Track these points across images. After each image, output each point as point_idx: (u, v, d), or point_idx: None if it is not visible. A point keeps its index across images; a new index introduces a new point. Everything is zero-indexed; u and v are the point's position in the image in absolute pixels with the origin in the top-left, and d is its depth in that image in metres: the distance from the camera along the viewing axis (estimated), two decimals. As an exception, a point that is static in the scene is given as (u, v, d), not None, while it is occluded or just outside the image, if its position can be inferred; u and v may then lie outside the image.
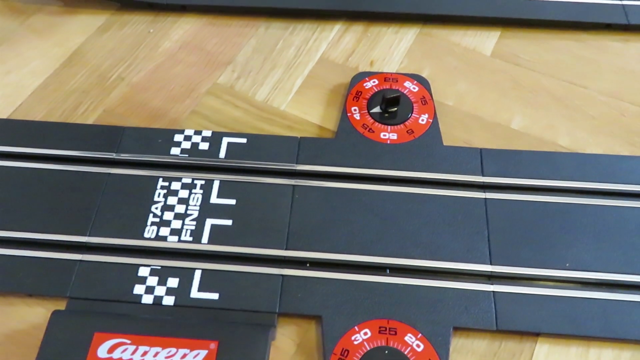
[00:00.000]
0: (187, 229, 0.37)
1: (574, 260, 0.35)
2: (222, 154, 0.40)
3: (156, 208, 0.37)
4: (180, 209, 0.38)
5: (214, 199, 0.38)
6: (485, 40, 0.47)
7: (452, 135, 0.41)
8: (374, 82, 0.44)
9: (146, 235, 0.36)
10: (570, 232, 0.36)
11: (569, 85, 0.44)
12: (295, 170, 0.39)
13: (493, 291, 0.34)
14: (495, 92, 0.44)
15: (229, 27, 0.49)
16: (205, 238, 0.36)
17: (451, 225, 0.36)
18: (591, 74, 0.45)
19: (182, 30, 0.49)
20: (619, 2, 0.47)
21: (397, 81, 0.43)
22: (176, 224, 0.37)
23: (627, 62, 0.45)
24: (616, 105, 0.43)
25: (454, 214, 0.37)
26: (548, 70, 0.45)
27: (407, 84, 0.43)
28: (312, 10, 0.48)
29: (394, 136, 0.41)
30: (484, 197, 0.38)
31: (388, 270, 0.35)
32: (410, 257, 0.35)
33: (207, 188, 0.38)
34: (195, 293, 0.34)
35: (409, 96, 0.42)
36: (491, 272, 0.34)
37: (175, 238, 0.36)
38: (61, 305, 0.34)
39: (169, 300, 0.34)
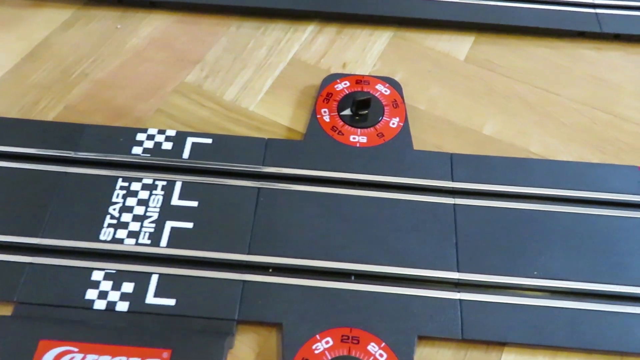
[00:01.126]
0: (145, 232, 0.35)
1: (543, 268, 0.34)
2: (185, 154, 0.38)
3: (114, 209, 0.36)
4: (139, 210, 0.36)
5: (175, 201, 0.36)
6: (460, 45, 0.47)
7: (423, 140, 0.41)
8: (345, 84, 0.43)
9: (102, 237, 0.35)
10: (540, 240, 0.35)
11: (542, 92, 0.44)
12: (261, 172, 0.38)
13: (460, 299, 0.33)
14: (468, 97, 0.43)
15: (200, 25, 0.48)
16: (164, 241, 0.35)
17: (419, 231, 0.35)
18: (564, 82, 0.44)
19: (151, 27, 0.47)
20: (592, 11, 0.47)
21: (368, 84, 0.43)
22: (134, 226, 0.35)
23: (599, 70, 0.45)
24: (588, 113, 0.43)
25: (423, 219, 0.36)
26: (521, 77, 0.45)
27: (379, 86, 0.43)
28: (285, 11, 0.48)
29: (363, 139, 0.40)
30: (453, 202, 0.37)
31: (353, 277, 0.34)
32: (377, 264, 0.34)
33: (168, 189, 0.37)
34: (151, 299, 0.32)
35: (380, 99, 0.42)
36: (458, 279, 0.33)
37: (133, 241, 0.35)
38: (8, 311, 0.32)
39: (122, 306, 0.32)
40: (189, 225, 0.36)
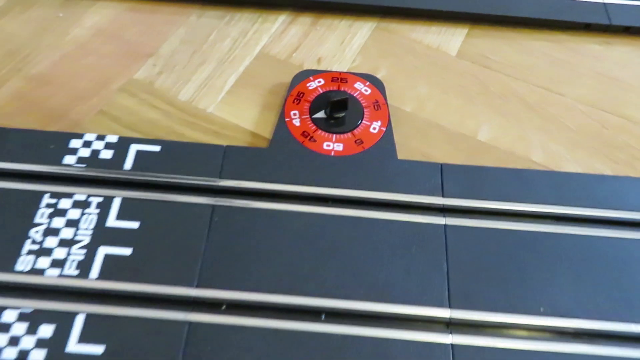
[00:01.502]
0: (73, 260, 0.29)
1: (550, 303, 0.28)
2: (127, 165, 0.33)
3: (36, 232, 0.30)
4: (67, 233, 0.30)
5: (112, 222, 0.31)
6: (451, 39, 0.41)
7: (409, 147, 0.35)
8: (319, 82, 0.37)
9: (18, 267, 0.29)
10: (546, 268, 0.30)
11: (544, 91, 0.39)
12: (216, 186, 0.32)
13: (452, 344, 0.27)
14: (460, 97, 0.38)
15: (155, 13, 0.42)
16: (95, 272, 0.29)
17: (403, 258, 0.30)
18: (569, 80, 0.39)
19: (98, 15, 0.41)
20: (600, 0, 0.42)
21: (346, 82, 0.37)
22: (60, 253, 0.29)
23: (608, 67, 0.40)
24: (597, 115, 0.38)
25: (408, 243, 0.30)
26: (520, 74, 0.39)
27: (358, 85, 0.37)
28: (253, -2, 0.42)
29: (339, 147, 0.34)
30: (443, 222, 0.31)
31: (324, 316, 0.28)
32: (352, 299, 0.28)
33: (104, 207, 0.31)
34: (73, 345, 0.26)
35: (359, 100, 0.36)
36: (450, 318, 0.28)
37: (57, 271, 0.29)
38: None
39: (38, 355, 0.26)
40: (127, 251, 0.30)
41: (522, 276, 0.30)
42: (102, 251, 0.29)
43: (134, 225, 0.30)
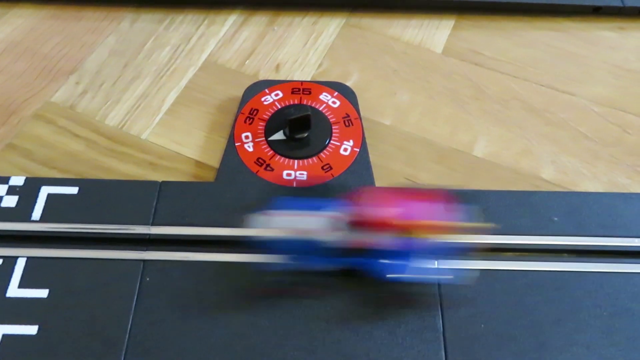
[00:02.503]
0: (-39, 346, 0.23)
1: (576, 370, 0.23)
2: (36, 214, 0.26)
3: None
4: (-45, 309, 0.24)
5: (13, 291, 0.24)
6: (435, 33, 0.35)
7: (389, 171, 0.28)
8: (276, 94, 0.31)
9: None
10: (567, 320, 0.23)
11: (551, 91, 0.32)
12: (148, 235, 0.25)
13: None
14: (450, 104, 0.31)
15: (79, 21, 0.35)
16: (-12, 361, 0.23)
17: (388, 319, 0.24)
18: (579, 76, 0.33)
19: (11, 26, 0.35)
20: (610, -21, 0.36)
21: (309, 93, 0.31)
22: (-57, 338, 0.23)
23: (624, 57, 0.33)
24: (616, 117, 0.31)
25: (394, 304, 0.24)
26: (521, 72, 0.33)
27: (325, 96, 0.31)
28: (198, -4, 0.36)
29: (302, 176, 0.28)
30: (435, 267, 0.25)
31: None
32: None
33: (5, 271, 0.24)
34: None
35: (326, 115, 0.30)
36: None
37: (-64, 365, 0.23)
38: None
39: None
40: (32, 330, 0.23)
41: (537, 334, 0.23)
42: (0, 331, 0.23)
43: (42, 293, 0.24)
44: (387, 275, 0.23)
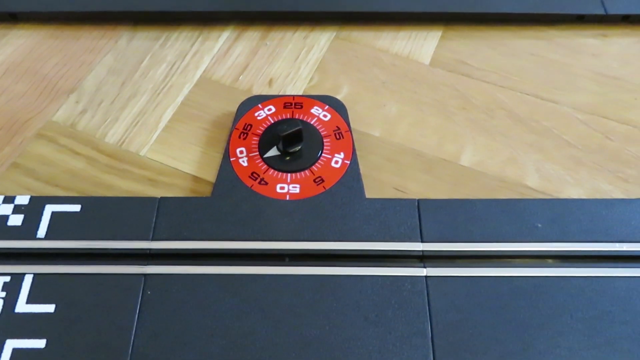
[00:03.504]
0: (-28, 361, 0.24)
1: (559, 371, 0.24)
2: (41, 232, 0.27)
3: None
4: (-34, 326, 0.25)
5: (21, 306, 0.25)
6: (423, 44, 0.36)
7: (379, 182, 0.29)
8: (269, 109, 0.32)
9: None
10: (551, 324, 0.24)
11: (535, 100, 0.33)
12: (149, 250, 0.26)
13: None
14: (437, 115, 0.32)
15: (78, 40, 0.36)
16: (-1, 374, 0.24)
17: (378, 325, 0.25)
18: (563, 84, 0.33)
19: (11, 47, 0.36)
20: (592, -13, 0.37)
21: (301, 107, 0.32)
22: (-45, 354, 0.24)
23: (607, 64, 0.34)
24: (598, 124, 0.32)
25: (383, 304, 0.25)
26: (506, 82, 0.33)
27: (316, 110, 0.32)
28: (192, 13, 0.36)
29: (295, 189, 0.29)
30: (424, 274, 0.26)
31: (281, 411, 0.23)
32: (316, 384, 0.24)
33: (13, 288, 0.25)
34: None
35: (317, 128, 0.31)
36: (437, 403, 0.23)
37: (-50, 379, 0.24)
38: None
39: None
40: (40, 344, 0.24)
41: (523, 337, 0.24)
42: (10, 345, 0.24)
43: (49, 308, 0.25)
44: None
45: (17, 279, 0.26)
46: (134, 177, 0.30)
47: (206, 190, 0.29)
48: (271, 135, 0.30)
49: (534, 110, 0.32)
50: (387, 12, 0.36)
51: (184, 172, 0.30)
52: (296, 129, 0.28)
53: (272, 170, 0.29)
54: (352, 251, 0.26)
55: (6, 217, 0.27)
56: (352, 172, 0.29)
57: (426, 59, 0.35)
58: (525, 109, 0.32)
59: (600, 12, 0.35)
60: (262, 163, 0.29)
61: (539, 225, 0.27)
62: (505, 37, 0.36)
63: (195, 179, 0.30)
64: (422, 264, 0.26)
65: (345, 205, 0.28)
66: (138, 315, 0.25)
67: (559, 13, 0.35)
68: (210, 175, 0.30)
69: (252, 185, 0.29)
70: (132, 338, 0.24)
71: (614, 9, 0.35)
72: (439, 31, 0.36)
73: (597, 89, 0.33)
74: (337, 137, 0.30)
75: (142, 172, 0.30)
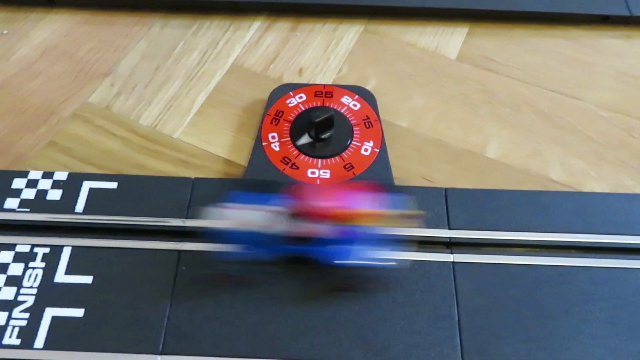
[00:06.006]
0: (14, 326, 0.24)
1: (581, 355, 0.24)
2: (79, 207, 0.28)
3: (-30, 294, 0.26)
4: (8, 293, 0.25)
5: (60, 277, 0.26)
6: (449, 40, 0.36)
7: (407, 170, 0.30)
8: (300, 97, 0.32)
9: (-54, 340, 0.25)
10: (574, 312, 0.25)
11: (559, 96, 0.34)
12: (183, 228, 0.27)
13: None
14: (463, 108, 0.33)
15: (112, 26, 0.37)
16: (40, 340, 0.24)
17: (405, 307, 0.26)
18: (587, 82, 0.34)
19: (48, 31, 0.37)
20: (617, -11, 0.38)
21: (331, 96, 0.32)
22: (-2, 319, 0.25)
23: (631, 64, 0.35)
24: (621, 122, 0.33)
25: (410, 289, 0.26)
26: (531, 78, 0.34)
27: (346, 99, 0.32)
28: (224, 3, 0.37)
29: (325, 174, 0.29)
30: (451, 260, 0.27)
31: (312, 385, 0.24)
32: (346, 361, 0.24)
33: (52, 259, 0.26)
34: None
35: (347, 117, 0.31)
36: (464, 382, 0.24)
37: (-7, 343, 0.25)
38: None
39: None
40: (79, 312, 0.25)
41: (546, 323, 0.25)
42: (49, 313, 0.25)
43: (87, 279, 0.26)
44: (335, 261, 0.25)
45: (56, 250, 0.27)
46: (168, 158, 0.31)
47: (237, 173, 0.30)
48: (302, 122, 0.31)
49: (557, 106, 0.33)
50: (415, 7, 0.37)
51: (216, 155, 0.31)
52: (329, 114, 0.29)
53: (303, 156, 0.30)
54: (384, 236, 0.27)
55: (45, 192, 0.28)
56: (381, 160, 0.30)
57: (453, 54, 0.35)
58: (549, 104, 0.33)
59: (625, 13, 0.36)
60: (293, 148, 0.30)
61: (563, 216, 0.28)
62: (530, 36, 0.36)
63: (227, 161, 0.31)
64: (449, 250, 0.27)
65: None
66: (173, 289, 0.25)
67: (583, 13, 0.36)
68: (241, 158, 0.31)
69: (284, 169, 0.29)
70: (168, 311, 0.25)
71: (639, 11, 0.36)
72: (466, 27, 0.37)
73: (620, 87, 0.34)
74: (367, 125, 0.31)
75: (176, 154, 0.31)
